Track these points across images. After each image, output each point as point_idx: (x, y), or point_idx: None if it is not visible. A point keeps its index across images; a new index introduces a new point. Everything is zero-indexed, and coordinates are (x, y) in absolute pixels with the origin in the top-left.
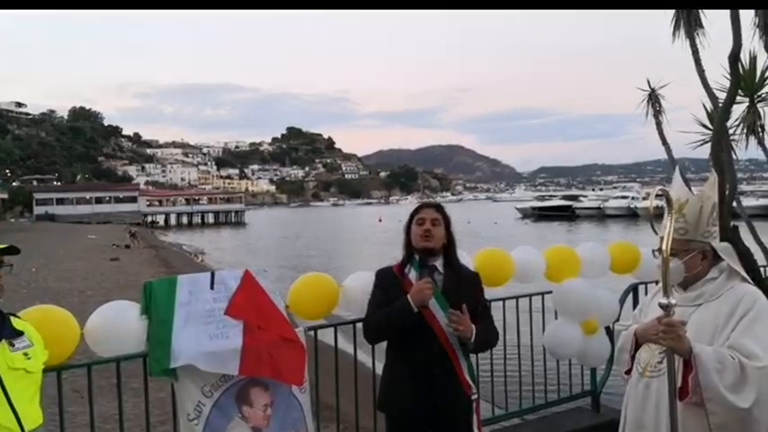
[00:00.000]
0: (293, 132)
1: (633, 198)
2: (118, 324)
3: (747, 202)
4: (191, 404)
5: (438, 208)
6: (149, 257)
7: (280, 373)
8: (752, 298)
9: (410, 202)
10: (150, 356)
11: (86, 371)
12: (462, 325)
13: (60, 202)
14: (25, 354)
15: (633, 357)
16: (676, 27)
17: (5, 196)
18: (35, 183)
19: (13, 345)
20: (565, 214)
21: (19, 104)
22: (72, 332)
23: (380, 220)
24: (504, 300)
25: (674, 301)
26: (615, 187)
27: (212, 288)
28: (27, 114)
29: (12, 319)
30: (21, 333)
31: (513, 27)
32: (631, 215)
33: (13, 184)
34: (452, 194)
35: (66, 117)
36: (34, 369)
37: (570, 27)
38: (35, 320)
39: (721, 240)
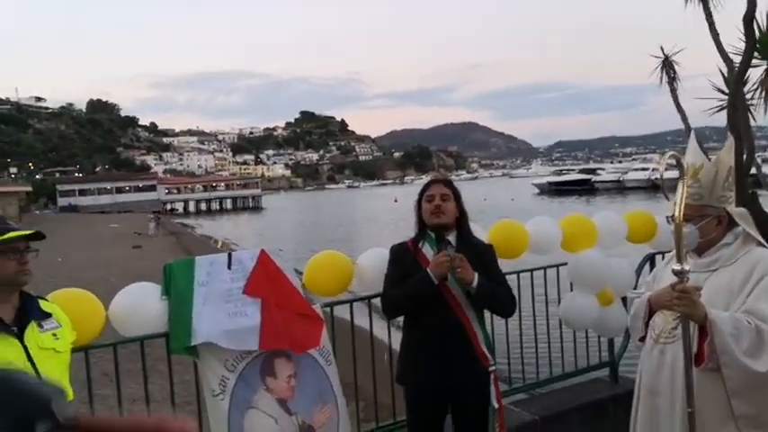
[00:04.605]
0: (306, 116)
1: (653, 170)
2: (140, 305)
3: None
4: (215, 379)
5: (447, 183)
6: (170, 244)
7: (297, 345)
8: (767, 262)
9: (425, 182)
10: (171, 334)
11: (112, 351)
12: (461, 266)
13: (82, 193)
14: (54, 334)
15: (647, 324)
16: None
17: (30, 189)
18: (57, 175)
19: (42, 326)
20: (583, 188)
21: (38, 99)
22: (97, 313)
23: (396, 201)
24: (518, 273)
25: (687, 267)
26: (634, 159)
27: (230, 268)
28: (46, 108)
29: (40, 301)
30: (49, 315)
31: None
32: (652, 187)
33: (36, 177)
34: (468, 172)
35: (84, 110)
36: (62, 349)
37: None
38: (62, 303)
39: (738, 206)
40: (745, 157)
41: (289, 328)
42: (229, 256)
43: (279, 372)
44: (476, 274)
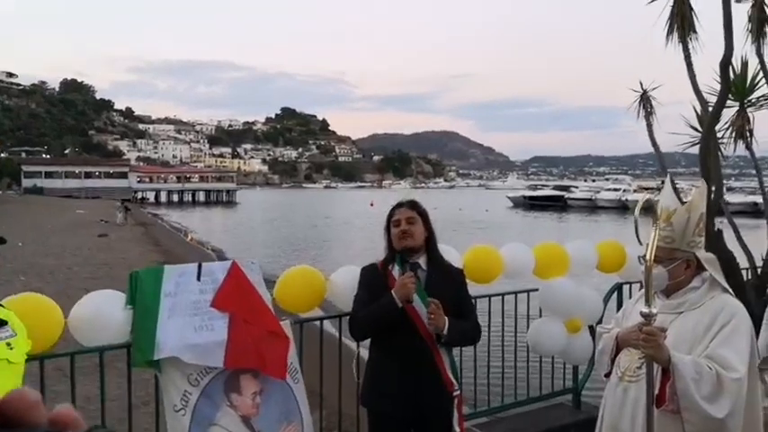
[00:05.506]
0: (287, 113)
1: (624, 191)
2: (102, 314)
3: (735, 198)
4: (177, 394)
5: (412, 205)
6: (138, 235)
7: (264, 365)
8: (731, 310)
9: (403, 187)
10: (134, 347)
11: (69, 359)
12: (434, 314)
13: (49, 175)
14: (8, 344)
15: (613, 361)
16: (670, 31)
17: None
18: (24, 155)
19: None
20: (556, 204)
21: (10, 74)
22: (56, 322)
23: (372, 205)
24: (489, 297)
25: (655, 311)
26: (607, 179)
27: (199, 279)
28: (18, 85)
29: None
30: (4, 322)
31: (514, 13)
32: (622, 207)
33: (1, 155)
34: (445, 181)
35: (57, 89)
36: (17, 360)
37: (570, 18)
38: (19, 309)
39: (705, 244)
40: (713, 194)
41: (256, 346)
42: (199, 266)
43: (244, 388)
44: (446, 320)
